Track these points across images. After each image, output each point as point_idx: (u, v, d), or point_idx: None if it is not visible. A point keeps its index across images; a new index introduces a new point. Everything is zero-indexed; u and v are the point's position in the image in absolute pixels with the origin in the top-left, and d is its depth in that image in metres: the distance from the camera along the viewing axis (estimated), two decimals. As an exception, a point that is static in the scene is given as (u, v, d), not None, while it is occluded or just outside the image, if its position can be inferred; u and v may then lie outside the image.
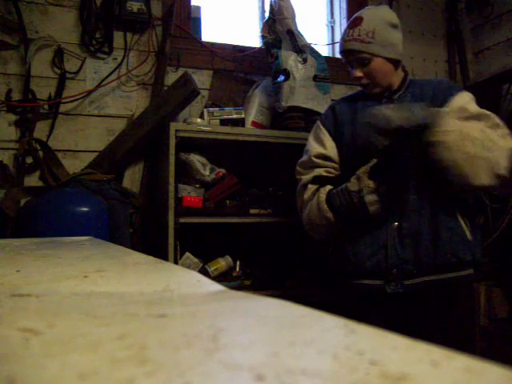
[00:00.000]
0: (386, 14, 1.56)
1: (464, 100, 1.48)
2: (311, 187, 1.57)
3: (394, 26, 1.54)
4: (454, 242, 1.42)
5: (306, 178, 1.59)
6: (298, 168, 1.66)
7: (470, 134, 1.32)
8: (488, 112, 1.45)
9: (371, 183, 1.39)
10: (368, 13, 1.55)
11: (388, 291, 1.45)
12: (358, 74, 1.55)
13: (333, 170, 1.58)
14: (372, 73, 1.53)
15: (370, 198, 1.39)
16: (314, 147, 1.62)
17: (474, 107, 1.47)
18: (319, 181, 1.56)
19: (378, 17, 1.53)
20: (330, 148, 1.59)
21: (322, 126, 1.64)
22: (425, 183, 1.45)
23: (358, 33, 1.51)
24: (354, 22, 1.54)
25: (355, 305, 1.56)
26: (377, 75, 1.53)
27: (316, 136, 1.64)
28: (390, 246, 1.44)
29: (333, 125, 1.62)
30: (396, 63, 1.55)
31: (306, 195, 1.57)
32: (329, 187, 1.52)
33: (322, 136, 1.62)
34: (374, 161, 1.40)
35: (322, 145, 1.61)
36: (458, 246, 1.43)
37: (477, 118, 1.42)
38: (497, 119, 1.43)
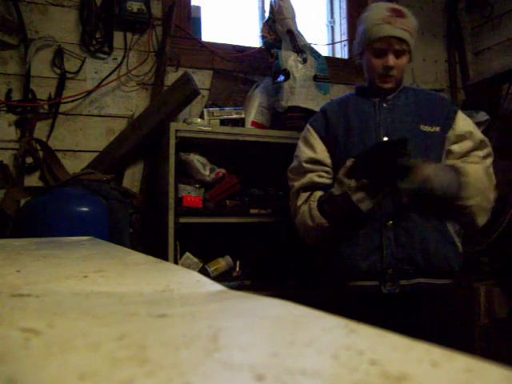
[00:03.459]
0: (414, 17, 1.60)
1: (465, 121, 1.57)
2: (304, 194, 1.56)
3: None
4: (446, 250, 1.47)
5: (297, 184, 1.58)
6: (289, 174, 1.64)
7: (480, 186, 1.46)
8: (484, 138, 1.57)
9: (352, 182, 1.39)
10: (406, 11, 1.54)
11: (384, 292, 1.45)
12: (393, 62, 1.51)
13: (324, 174, 1.56)
14: (400, 66, 1.53)
15: (357, 196, 1.39)
16: (303, 152, 1.60)
17: (477, 132, 1.57)
18: (310, 188, 1.55)
19: (414, 19, 1.56)
20: (321, 152, 1.57)
21: (311, 129, 1.61)
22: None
23: (407, 24, 1.51)
24: (399, 13, 1.52)
25: (349, 306, 1.55)
26: (401, 69, 1.55)
27: (306, 140, 1.62)
28: (385, 245, 1.44)
29: (324, 128, 1.60)
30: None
31: (299, 202, 1.56)
32: (319, 193, 1.52)
33: (312, 139, 1.59)
34: (351, 160, 1.41)
35: (311, 149, 1.58)
36: (450, 254, 1.47)
37: (479, 146, 1.54)
38: (489, 147, 1.57)
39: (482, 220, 1.50)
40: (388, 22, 1.50)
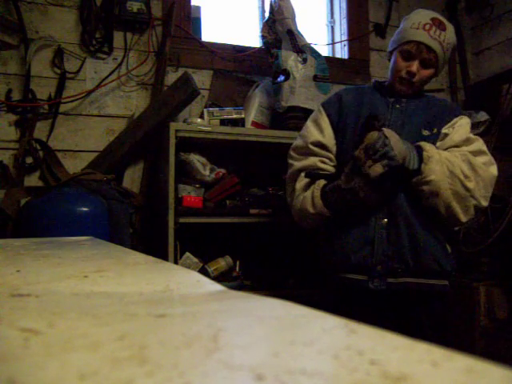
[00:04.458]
0: (455, 35, 1.60)
1: (460, 123, 1.54)
2: (304, 179, 1.55)
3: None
4: (436, 249, 1.47)
5: (299, 164, 1.57)
6: (291, 152, 1.62)
7: (452, 169, 1.40)
8: (475, 137, 1.53)
9: (359, 178, 1.40)
10: (449, 25, 1.56)
11: (370, 287, 1.46)
12: (415, 68, 1.52)
13: (328, 161, 1.56)
14: (423, 76, 1.54)
15: (364, 192, 1.40)
16: (311, 133, 1.58)
17: (462, 132, 1.53)
18: (312, 175, 1.54)
19: (454, 35, 1.57)
20: (329, 137, 1.57)
21: (323, 112, 1.60)
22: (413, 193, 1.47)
23: (443, 38, 1.52)
24: (440, 24, 1.53)
25: (339, 298, 1.57)
26: (423, 81, 1.56)
27: (316, 121, 1.60)
28: (377, 242, 1.45)
29: (337, 113, 1.59)
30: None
31: (299, 184, 1.55)
32: (323, 182, 1.52)
33: (322, 122, 1.58)
34: None
35: (320, 132, 1.57)
36: (439, 254, 1.47)
37: (465, 142, 1.50)
38: (483, 145, 1.52)
39: (460, 209, 1.43)
40: (424, 29, 1.51)
